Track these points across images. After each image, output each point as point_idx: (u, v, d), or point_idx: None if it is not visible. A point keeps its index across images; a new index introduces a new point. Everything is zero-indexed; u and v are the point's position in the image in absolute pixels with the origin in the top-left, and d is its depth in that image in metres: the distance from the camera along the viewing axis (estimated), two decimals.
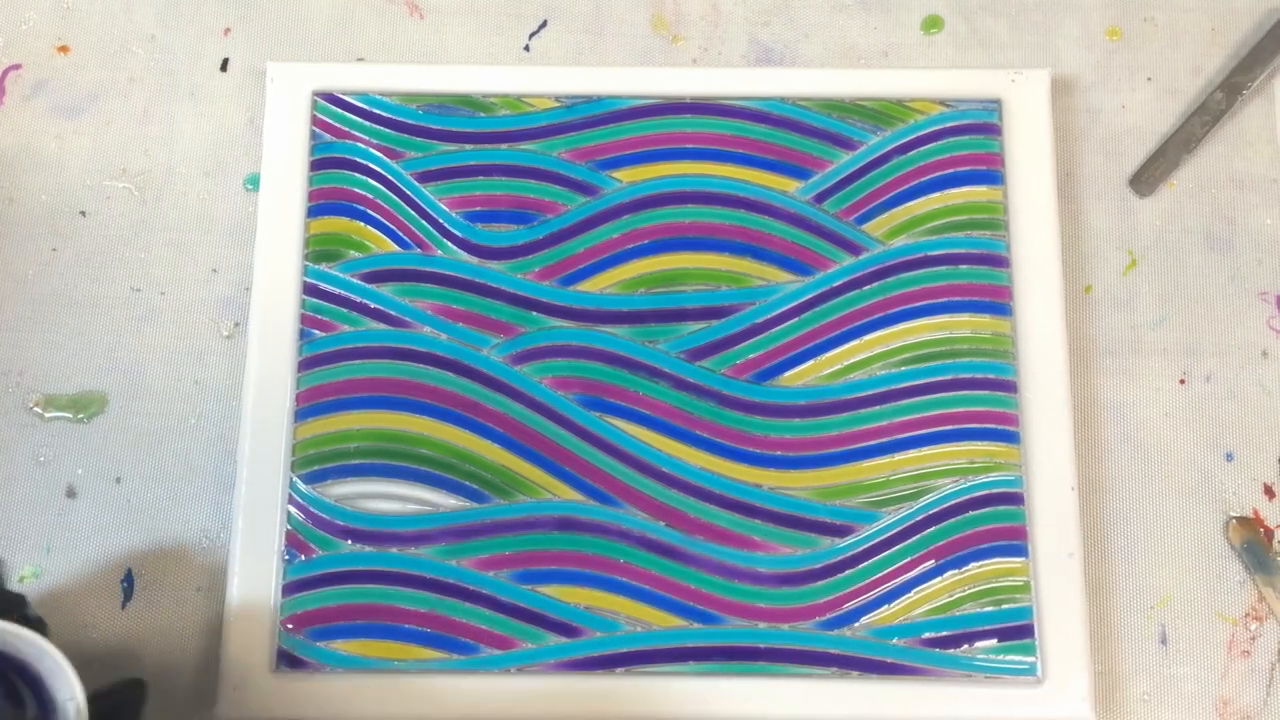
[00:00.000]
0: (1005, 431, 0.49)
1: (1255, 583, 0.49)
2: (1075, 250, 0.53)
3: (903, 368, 0.50)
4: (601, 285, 0.51)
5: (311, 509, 0.48)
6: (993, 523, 0.48)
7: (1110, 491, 0.50)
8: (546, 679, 0.47)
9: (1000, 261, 0.51)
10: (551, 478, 0.49)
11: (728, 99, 0.53)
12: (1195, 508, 0.50)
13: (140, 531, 0.49)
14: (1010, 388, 0.50)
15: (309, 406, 0.49)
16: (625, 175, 0.52)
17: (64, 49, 0.55)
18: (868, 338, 0.50)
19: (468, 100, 0.53)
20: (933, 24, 0.55)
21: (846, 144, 0.52)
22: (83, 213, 0.53)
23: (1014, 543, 0.48)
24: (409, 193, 0.52)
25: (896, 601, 0.48)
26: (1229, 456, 0.51)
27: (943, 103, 0.53)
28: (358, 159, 0.52)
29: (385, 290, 0.51)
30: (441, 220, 0.51)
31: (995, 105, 0.52)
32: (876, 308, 0.51)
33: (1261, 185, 0.53)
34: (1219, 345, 0.52)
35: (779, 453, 0.49)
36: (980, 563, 0.48)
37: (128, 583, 0.49)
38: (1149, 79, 0.55)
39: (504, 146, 0.52)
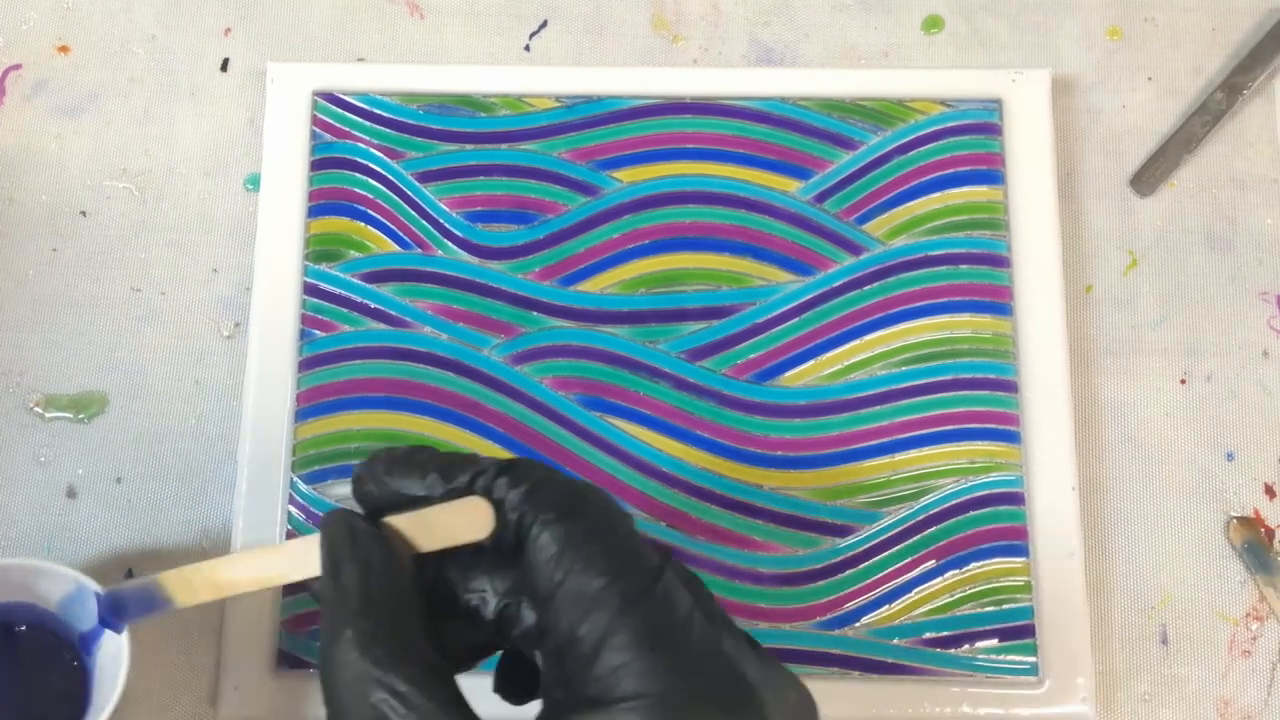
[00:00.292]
0: (1006, 431, 0.49)
1: (1256, 583, 0.49)
2: (1076, 250, 0.53)
3: (903, 368, 0.50)
4: (602, 285, 0.51)
5: (312, 509, 0.48)
6: (993, 523, 0.48)
7: (1111, 491, 0.50)
8: None
9: (1001, 261, 0.51)
10: None
11: (728, 99, 0.53)
12: (1196, 508, 0.50)
13: (140, 531, 0.49)
14: (1011, 388, 0.50)
15: (309, 406, 0.49)
16: (625, 175, 0.52)
17: (64, 49, 0.55)
18: (868, 338, 0.50)
19: (468, 100, 0.53)
20: (933, 24, 0.55)
21: (847, 144, 0.52)
22: (83, 213, 0.53)
23: (1014, 543, 0.48)
24: (409, 193, 0.52)
25: (897, 601, 0.48)
26: (1230, 456, 0.51)
27: (943, 103, 0.53)
28: (358, 159, 0.52)
29: (386, 290, 0.51)
30: (442, 220, 0.51)
31: (996, 105, 0.52)
32: (877, 308, 0.51)
33: (1262, 185, 0.53)
34: (1220, 345, 0.52)
35: (779, 453, 0.49)
36: (981, 563, 0.48)
37: None
38: (1149, 79, 0.55)
39: (504, 146, 0.52)
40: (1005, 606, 0.47)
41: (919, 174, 0.52)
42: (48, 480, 0.50)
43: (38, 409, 0.51)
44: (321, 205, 0.51)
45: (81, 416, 0.51)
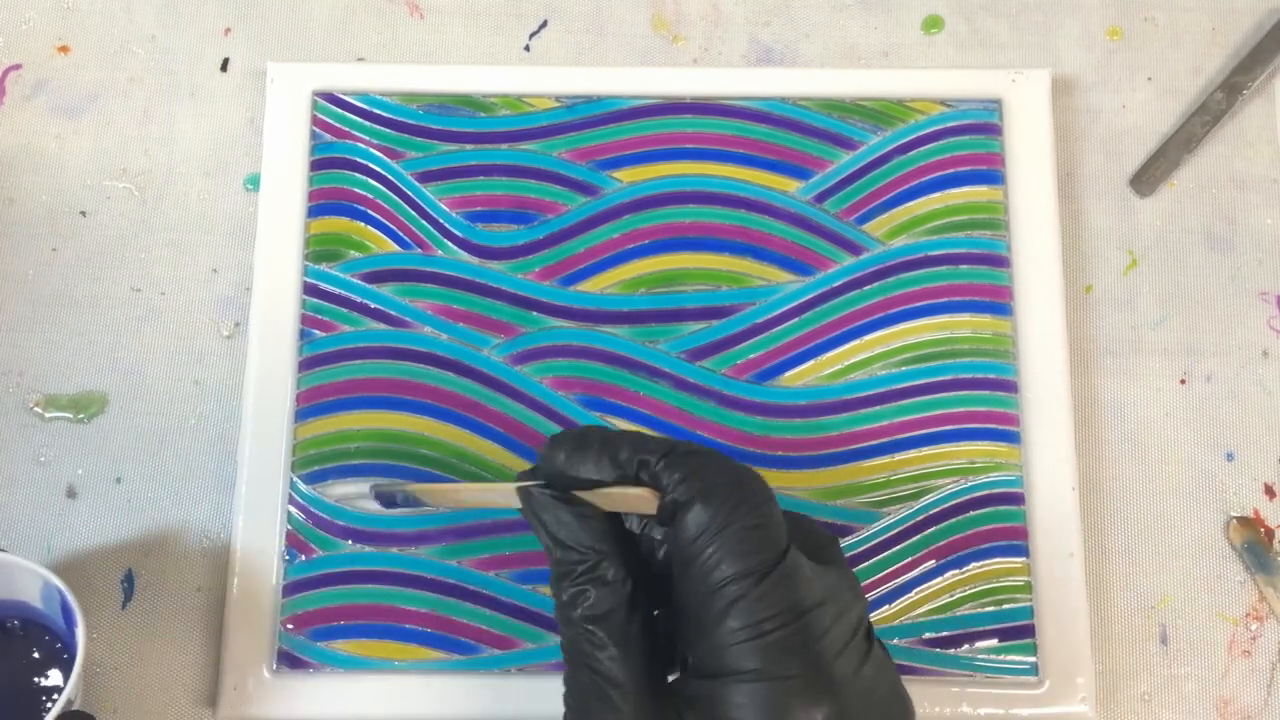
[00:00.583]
0: (1005, 431, 0.49)
1: (1256, 583, 0.49)
2: (1076, 250, 0.53)
3: (903, 368, 0.50)
4: (602, 285, 0.51)
5: (312, 509, 0.48)
6: (993, 523, 0.48)
7: (1110, 491, 0.50)
8: (546, 679, 0.47)
9: (1001, 261, 0.51)
10: None
11: (728, 99, 0.53)
12: (1196, 508, 0.50)
13: (140, 531, 0.49)
14: (1011, 388, 0.50)
15: (309, 406, 0.49)
16: (625, 175, 0.52)
17: (64, 49, 0.55)
18: (868, 338, 0.50)
19: (468, 100, 0.53)
20: (933, 24, 0.55)
21: (847, 144, 0.52)
22: (83, 213, 0.53)
23: (1014, 543, 0.48)
24: (409, 193, 0.52)
25: (897, 601, 0.48)
26: (1229, 456, 0.51)
27: (943, 103, 0.53)
28: (358, 159, 0.52)
29: (385, 290, 0.51)
30: (442, 220, 0.51)
31: (995, 105, 0.52)
32: (877, 308, 0.51)
33: (1262, 185, 0.53)
34: (1219, 345, 0.52)
35: (780, 453, 0.49)
36: (980, 563, 0.48)
37: (128, 583, 0.49)
38: (1149, 79, 0.55)
39: (504, 146, 0.52)
40: (1005, 606, 0.47)
41: (919, 174, 0.52)
42: (47, 480, 0.50)
43: (37, 409, 0.51)
44: (321, 205, 0.51)
45: (81, 416, 0.51)
